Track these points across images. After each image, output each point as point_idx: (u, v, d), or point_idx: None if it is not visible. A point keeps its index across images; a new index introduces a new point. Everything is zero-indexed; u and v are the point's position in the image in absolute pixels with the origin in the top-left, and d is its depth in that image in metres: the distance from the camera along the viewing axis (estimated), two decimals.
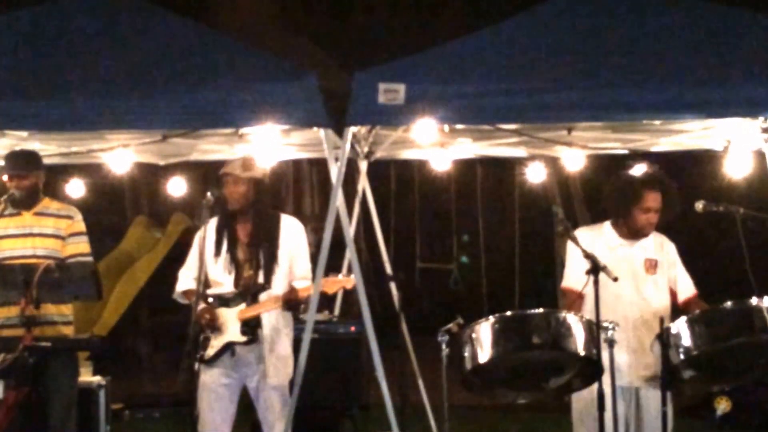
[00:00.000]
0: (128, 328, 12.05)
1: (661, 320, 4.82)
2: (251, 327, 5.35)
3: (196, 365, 5.12)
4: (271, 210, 5.62)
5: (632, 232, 5.27)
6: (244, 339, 5.33)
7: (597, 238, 5.24)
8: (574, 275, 5.21)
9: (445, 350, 4.84)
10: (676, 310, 5.27)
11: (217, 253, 5.47)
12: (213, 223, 5.51)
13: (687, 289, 5.35)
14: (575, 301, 5.16)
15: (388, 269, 7.57)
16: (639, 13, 5.75)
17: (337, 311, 7.71)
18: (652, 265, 5.26)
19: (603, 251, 5.08)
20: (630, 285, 5.16)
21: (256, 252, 5.47)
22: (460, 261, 14.72)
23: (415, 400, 7.16)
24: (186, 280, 5.58)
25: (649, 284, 5.24)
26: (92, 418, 6.43)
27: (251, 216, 5.51)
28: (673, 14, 5.73)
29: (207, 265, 5.36)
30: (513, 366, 4.85)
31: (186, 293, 5.56)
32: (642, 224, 5.23)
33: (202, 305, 5.29)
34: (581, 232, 5.25)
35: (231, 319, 5.36)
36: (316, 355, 5.85)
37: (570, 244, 5.25)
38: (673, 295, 5.32)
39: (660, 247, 5.33)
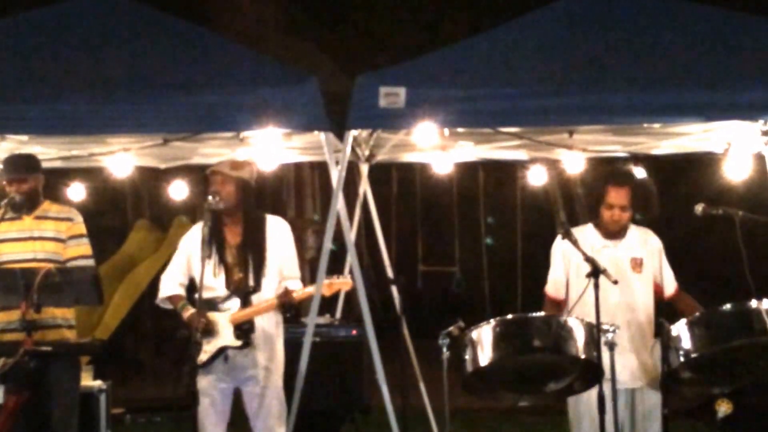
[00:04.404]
0: (129, 332, 12.04)
1: (662, 323, 4.82)
2: (244, 331, 5.29)
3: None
4: (258, 211, 5.53)
5: (608, 232, 5.23)
6: (238, 343, 5.27)
7: (581, 240, 5.18)
8: (557, 281, 5.22)
9: (446, 353, 4.84)
10: (661, 305, 5.26)
11: (206, 256, 5.31)
12: (200, 226, 5.33)
13: (670, 283, 5.34)
14: (554, 307, 5.17)
15: (390, 272, 7.57)
16: (639, 16, 5.76)
17: (338, 314, 7.72)
18: (637, 264, 5.22)
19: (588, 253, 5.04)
20: (618, 286, 5.03)
21: (245, 255, 5.39)
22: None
23: (416, 403, 7.16)
24: (170, 285, 5.49)
25: (636, 284, 5.21)
26: (93, 422, 6.41)
27: (239, 218, 5.43)
28: (673, 18, 5.74)
29: (195, 269, 5.30)
30: (514, 369, 4.85)
31: (171, 298, 5.48)
32: (606, 221, 5.18)
33: (193, 310, 5.25)
34: None
35: (223, 323, 5.30)
36: (317, 359, 5.85)
37: (553, 248, 5.26)
38: (659, 289, 5.30)
39: (644, 242, 5.29)
